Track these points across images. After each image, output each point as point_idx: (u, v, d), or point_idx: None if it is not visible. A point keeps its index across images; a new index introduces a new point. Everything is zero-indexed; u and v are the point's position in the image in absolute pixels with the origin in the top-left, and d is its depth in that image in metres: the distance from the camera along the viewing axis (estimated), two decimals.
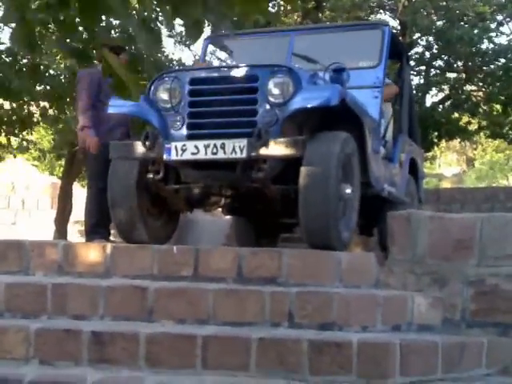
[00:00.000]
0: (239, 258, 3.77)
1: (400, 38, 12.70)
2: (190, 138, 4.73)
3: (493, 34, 12.45)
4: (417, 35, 12.95)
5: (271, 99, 4.67)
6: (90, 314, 3.49)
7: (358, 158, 4.80)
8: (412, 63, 13.19)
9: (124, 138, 6.02)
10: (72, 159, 10.38)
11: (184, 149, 4.59)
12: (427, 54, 12.95)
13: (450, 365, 3.23)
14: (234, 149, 4.49)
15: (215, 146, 4.52)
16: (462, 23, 12.09)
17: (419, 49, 13.24)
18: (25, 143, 11.95)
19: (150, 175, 4.85)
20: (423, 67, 12.98)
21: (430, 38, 12.75)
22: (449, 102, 13.17)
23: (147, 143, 4.67)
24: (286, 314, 3.38)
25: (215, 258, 3.82)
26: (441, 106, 13.06)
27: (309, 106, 4.61)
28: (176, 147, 4.60)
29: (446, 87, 13.14)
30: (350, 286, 3.68)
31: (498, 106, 12.90)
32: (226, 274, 3.75)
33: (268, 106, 4.68)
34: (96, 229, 5.83)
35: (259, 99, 4.69)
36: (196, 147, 4.56)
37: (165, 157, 4.63)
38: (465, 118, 13.57)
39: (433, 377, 3.17)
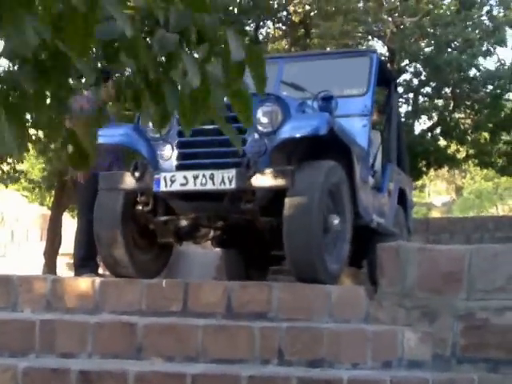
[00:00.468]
0: (229, 292, 3.75)
1: (388, 64, 12.83)
2: (179, 168, 4.69)
3: (481, 61, 12.58)
4: (405, 62, 13.06)
5: (260, 128, 4.64)
6: (78, 352, 3.46)
7: (347, 188, 4.77)
8: (400, 90, 13.29)
9: (114, 166, 5.98)
10: (62, 189, 10.34)
11: (173, 180, 4.53)
12: (415, 81, 13.05)
13: None
14: (223, 180, 4.44)
15: (204, 176, 4.47)
16: (450, 49, 12.20)
17: (407, 76, 13.36)
18: (13, 173, 11.92)
19: (139, 207, 4.81)
20: (411, 94, 13.07)
21: (418, 65, 12.86)
22: (437, 130, 13.26)
23: (136, 174, 4.62)
24: (275, 350, 3.36)
25: (205, 292, 3.80)
26: (429, 134, 13.13)
27: (297, 135, 4.57)
28: (165, 178, 4.54)
29: (434, 114, 13.23)
30: (339, 320, 3.67)
31: (486, 134, 12.98)
32: (216, 308, 3.73)
33: (257, 135, 4.65)
34: (85, 262, 5.80)
35: (248, 128, 4.58)
36: (185, 178, 4.50)
37: (154, 188, 4.58)
38: (453, 146, 13.65)
39: None
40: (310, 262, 4.22)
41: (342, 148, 4.84)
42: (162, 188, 4.55)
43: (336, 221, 4.53)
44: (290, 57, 7.12)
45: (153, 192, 4.64)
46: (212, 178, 4.45)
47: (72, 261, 6.38)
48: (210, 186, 4.46)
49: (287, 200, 4.36)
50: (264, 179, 4.39)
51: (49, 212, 11.46)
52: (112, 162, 5.94)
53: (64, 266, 10.80)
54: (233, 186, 4.41)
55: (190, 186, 4.49)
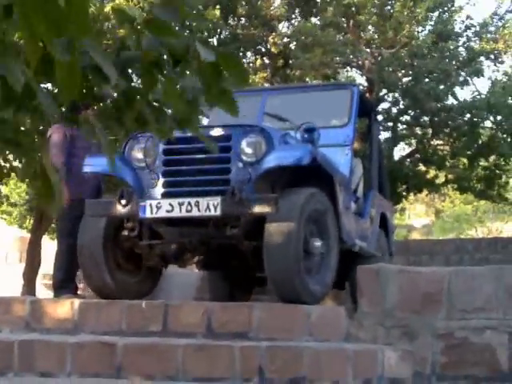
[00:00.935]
0: (209, 313, 3.75)
1: (367, 94, 12.98)
2: (165, 195, 4.81)
3: (457, 90, 12.79)
4: (384, 91, 13.22)
5: (244, 158, 4.78)
6: (57, 372, 3.44)
7: (331, 213, 4.88)
8: (380, 118, 13.44)
9: (94, 192, 6.02)
10: (41, 213, 10.30)
11: (159, 206, 4.65)
12: (394, 110, 13.21)
13: None
14: (208, 206, 4.56)
15: (189, 203, 4.59)
16: (428, 80, 12.38)
17: (386, 104, 13.52)
18: None
19: (125, 232, 4.92)
20: (391, 123, 13.23)
21: (397, 95, 13.02)
22: (416, 156, 13.40)
23: (122, 201, 4.71)
24: (256, 369, 3.36)
25: (185, 312, 3.80)
26: (408, 160, 13.27)
27: (281, 164, 4.71)
28: (151, 205, 4.66)
29: (413, 141, 13.38)
30: (320, 339, 3.68)
31: (465, 160, 13.14)
32: (196, 328, 3.72)
33: (241, 165, 4.79)
34: (64, 284, 5.79)
35: (232, 158, 4.80)
36: (171, 205, 4.62)
37: (140, 214, 4.69)
38: (432, 172, 13.79)
39: None
40: (291, 284, 4.29)
41: (325, 176, 4.99)
42: (148, 214, 4.66)
43: (318, 244, 4.62)
44: (273, 89, 7.44)
45: (139, 218, 4.73)
46: (197, 204, 4.57)
47: (51, 282, 6.34)
48: (195, 213, 4.58)
49: (268, 225, 4.49)
50: (248, 206, 4.51)
51: (28, 235, 11.40)
52: (93, 188, 5.96)
53: (44, 287, 10.73)
54: (218, 212, 4.53)
55: (176, 213, 4.61)
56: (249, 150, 4.80)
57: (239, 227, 4.70)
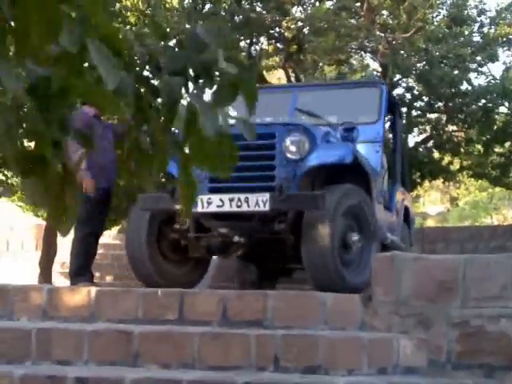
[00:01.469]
0: (224, 301, 3.77)
1: (381, 79, 12.91)
2: (211, 191, 5.06)
3: (472, 76, 12.68)
4: (398, 77, 13.14)
5: (289, 156, 5.02)
6: (74, 359, 3.47)
7: (368, 208, 5.13)
8: None
9: (111, 182, 6.07)
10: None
11: (209, 202, 4.92)
12: (408, 96, 13.13)
13: None
14: (258, 202, 4.81)
15: (239, 199, 4.86)
16: (442, 65, 12.29)
17: (400, 90, 13.44)
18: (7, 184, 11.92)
19: (177, 225, 5.21)
20: (405, 109, 13.16)
21: (411, 80, 12.94)
22: (431, 143, 13.33)
23: (175, 196, 4.94)
24: (271, 357, 3.38)
25: (200, 301, 3.81)
26: (423, 146, 13.20)
27: (325, 162, 5.03)
28: (202, 200, 4.91)
29: (427, 128, 13.31)
30: (335, 328, 3.68)
31: (480, 146, 13.06)
32: (211, 317, 3.74)
33: (285, 162, 5.05)
34: (81, 271, 5.83)
35: (277, 155, 5.05)
36: (221, 200, 4.91)
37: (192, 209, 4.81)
38: (447, 158, 13.73)
39: None
40: (328, 276, 4.55)
41: (361, 173, 5.28)
42: (199, 209, 4.94)
43: (355, 238, 4.88)
44: (304, 86, 7.81)
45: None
46: (247, 200, 4.85)
47: (67, 270, 6.39)
48: (244, 208, 4.87)
49: (306, 219, 4.77)
50: (296, 203, 4.83)
51: (43, 222, 11.45)
52: (111, 176, 5.99)
53: (60, 275, 10.78)
54: (267, 208, 4.80)
55: (226, 208, 4.91)
56: (293, 148, 5.02)
57: (286, 222, 4.95)
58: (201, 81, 1.72)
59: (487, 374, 3.53)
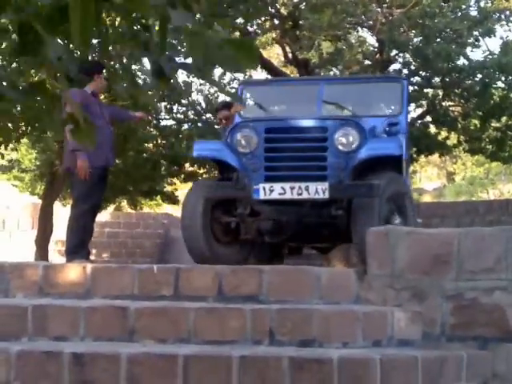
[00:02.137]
0: (219, 277, 3.78)
1: (378, 55, 12.86)
2: (267, 179, 5.53)
3: (469, 50, 12.62)
4: (394, 52, 13.08)
5: (340, 148, 5.49)
6: (70, 335, 3.48)
7: (408, 195, 5.72)
8: None
9: (108, 160, 6.08)
10: (53, 179, 10.35)
11: (272, 189, 5.37)
12: (405, 71, 13.07)
13: (430, 379, 3.25)
14: (317, 191, 5.29)
15: (300, 187, 5.32)
16: (439, 40, 12.22)
17: (397, 65, 13.38)
18: (7, 162, 11.92)
19: (240, 210, 5.66)
20: None
21: (408, 55, 12.87)
22: (428, 118, 13.29)
23: (238, 185, 5.47)
24: (266, 331, 3.40)
25: (195, 276, 3.83)
26: (419, 121, 13.17)
27: (376, 155, 5.53)
28: (264, 188, 5.39)
29: (424, 103, 13.27)
30: (329, 302, 3.70)
31: (476, 121, 13.04)
32: (207, 292, 3.76)
33: (337, 154, 5.50)
34: (77, 249, 5.84)
35: (329, 147, 5.52)
36: (283, 188, 5.36)
37: (254, 196, 5.43)
38: (443, 133, 13.70)
39: None
40: None
41: (397, 161, 5.80)
42: (262, 196, 5.42)
43: (397, 221, 5.39)
44: (330, 79, 8.24)
45: (252, 199, 5.49)
46: (307, 189, 5.32)
47: (64, 248, 6.40)
48: (305, 196, 5.33)
49: (356, 203, 5.32)
50: (353, 191, 5.35)
51: (39, 201, 11.46)
52: (108, 156, 6.02)
53: (56, 252, 10.81)
54: (326, 195, 5.28)
55: (288, 195, 5.37)
56: (344, 141, 5.47)
57: (344, 208, 5.42)
58: None
59: (481, 346, 3.56)
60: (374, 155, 5.52)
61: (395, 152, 5.56)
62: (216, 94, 13.32)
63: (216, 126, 12.77)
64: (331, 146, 5.50)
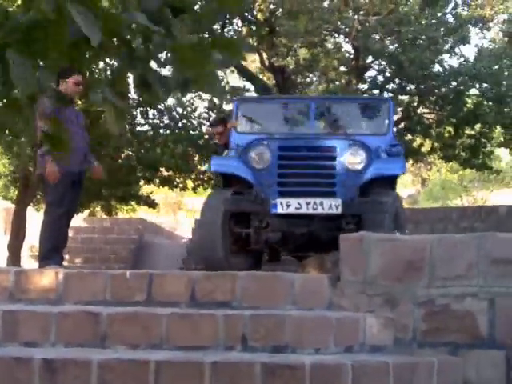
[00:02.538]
0: (193, 282, 3.77)
1: (353, 62, 12.94)
2: (280, 194, 6.01)
3: (444, 57, 12.74)
4: (370, 59, 13.17)
5: (349, 167, 6.03)
6: (41, 341, 3.45)
7: (402, 208, 6.30)
8: (365, 87, 13.39)
9: (81, 164, 6.03)
10: (26, 184, 10.26)
11: (288, 204, 5.90)
12: (381, 78, 13.17)
13: None
14: (331, 206, 5.87)
15: (315, 203, 5.86)
16: (414, 47, 12.33)
17: (373, 72, 13.48)
18: None
19: (256, 223, 6.13)
20: (377, 91, 13.19)
21: (383, 62, 12.97)
22: (402, 124, 13.40)
23: (257, 199, 5.97)
24: (239, 337, 3.39)
25: (169, 282, 3.81)
26: (394, 129, 13.26)
27: (384, 174, 6.13)
28: (281, 203, 5.91)
29: (399, 110, 13.37)
30: (302, 308, 3.71)
31: (450, 128, 13.16)
32: (180, 298, 3.74)
33: (345, 172, 6.03)
34: (50, 254, 5.79)
35: (337, 166, 6.06)
36: (299, 203, 5.89)
37: (271, 210, 5.94)
38: (418, 140, 13.81)
39: None
40: None
41: (394, 179, 6.59)
42: (279, 210, 5.95)
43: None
44: (321, 98, 8.88)
45: (270, 213, 6.00)
46: (322, 204, 5.88)
47: (37, 254, 6.35)
48: (320, 211, 5.89)
49: (365, 218, 5.80)
50: (365, 208, 5.86)
51: (12, 206, 11.35)
52: (81, 160, 5.98)
53: (29, 258, 10.70)
54: (339, 211, 5.87)
55: (303, 210, 5.89)
56: (353, 161, 6.01)
57: (354, 223, 5.86)
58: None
59: (452, 352, 3.58)
60: (380, 175, 6.08)
61: (399, 172, 6.30)
62: (191, 100, 13.31)
63: (191, 132, 12.77)
64: (340, 164, 6.06)
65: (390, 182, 6.40)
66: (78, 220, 12.71)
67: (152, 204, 14.65)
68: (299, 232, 6.11)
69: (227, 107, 12.43)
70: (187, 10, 1.84)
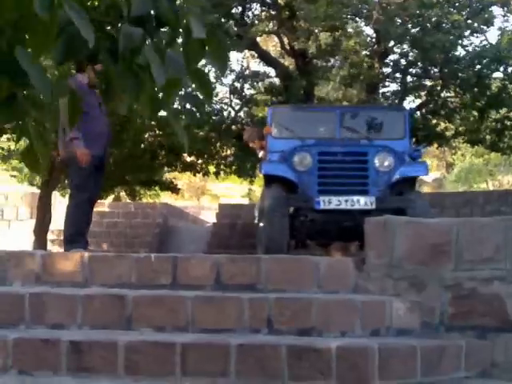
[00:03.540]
0: (217, 266, 3.77)
1: (375, 46, 12.82)
2: (320, 192, 6.99)
3: (466, 42, 12.57)
4: (392, 43, 13.02)
5: (379, 169, 7.08)
6: (68, 323, 3.47)
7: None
8: (388, 70, 13.26)
9: (104, 149, 6.07)
10: (51, 169, 10.32)
11: (330, 201, 6.90)
12: (403, 62, 13.03)
13: (428, 368, 3.24)
14: (366, 203, 6.87)
15: (352, 200, 6.88)
16: (436, 31, 12.16)
17: (395, 56, 13.33)
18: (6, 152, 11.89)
19: (302, 218, 7.10)
20: (400, 74, 13.06)
21: (405, 46, 12.82)
22: (426, 108, 13.26)
23: (303, 197, 7.00)
24: (264, 320, 3.39)
25: (193, 265, 3.81)
26: (418, 112, 13.14)
27: (410, 175, 7.20)
28: (323, 200, 6.92)
29: (422, 93, 13.23)
30: (328, 291, 3.69)
31: (475, 112, 13.00)
32: (205, 281, 3.74)
33: (376, 173, 7.09)
34: (75, 238, 5.83)
35: (369, 168, 7.13)
36: (339, 200, 6.90)
37: (315, 206, 6.90)
38: (442, 124, 13.67)
39: (412, 380, 3.18)
40: None
41: (415, 179, 7.62)
42: (322, 206, 6.93)
43: None
44: (346, 107, 10.24)
45: (314, 209, 6.95)
46: (358, 201, 6.89)
47: (62, 238, 6.39)
48: (357, 207, 6.88)
49: (398, 213, 6.19)
50: (397, 204, 6.86)
51: (38, 191, 11.43)
52: (104, 145, 6.02)
53: (54, 242, 10.79)
54: (373, 207, 6.82)
55: (343, 206, 6.91)
56: (382, 163, 7.06)
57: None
58: (163, 30, 1.81)
59: (479, 336, 3.55)
60: (406, 175, 7.09)
61: (423, 174, 7.44)
62: (213, 86, 13.29)
63: (213, 117, 12.80)
64: (371, 167, 7.08)
65: (411, 182, 7.33)
66: (103, 205, 12.79)
67: (174, 189, 14.69)
68: (339, 225, 7.01)
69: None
70: (170, 24, 1.84)
